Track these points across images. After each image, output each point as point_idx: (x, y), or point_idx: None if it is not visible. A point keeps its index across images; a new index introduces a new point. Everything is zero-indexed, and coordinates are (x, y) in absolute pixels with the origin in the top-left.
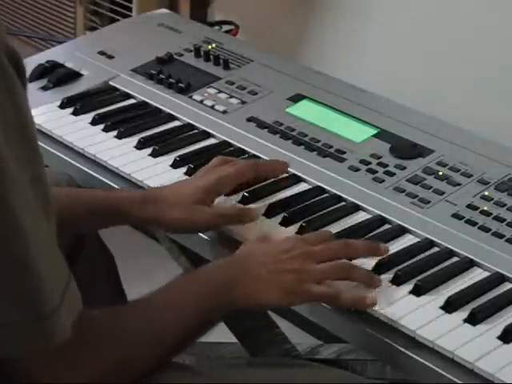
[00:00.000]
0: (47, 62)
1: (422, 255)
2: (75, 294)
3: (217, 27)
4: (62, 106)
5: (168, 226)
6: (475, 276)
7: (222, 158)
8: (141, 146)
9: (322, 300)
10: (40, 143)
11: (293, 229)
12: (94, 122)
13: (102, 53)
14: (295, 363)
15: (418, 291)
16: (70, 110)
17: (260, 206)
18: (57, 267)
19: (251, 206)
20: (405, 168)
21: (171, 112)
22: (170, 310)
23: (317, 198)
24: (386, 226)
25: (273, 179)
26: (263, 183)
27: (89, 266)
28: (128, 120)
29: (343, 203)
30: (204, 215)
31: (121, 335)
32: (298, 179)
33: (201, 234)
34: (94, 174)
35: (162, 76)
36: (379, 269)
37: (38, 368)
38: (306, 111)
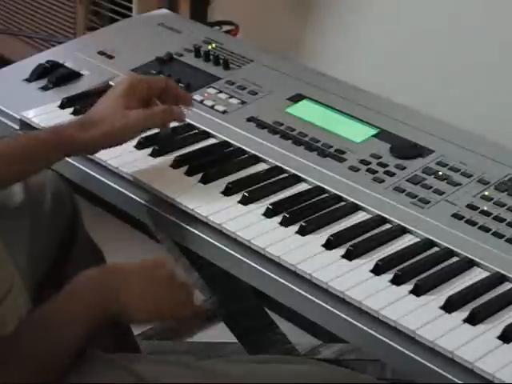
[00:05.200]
0: (47, 62)
1: (422, 255)
2: (18, 294)
3: (217, 27)
4: (62, 106)
5: (110, 138)
6: (475, 276)
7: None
8: (141, 146)
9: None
10: None
11: (293, 228)
12: None
13: (101, 53)
14: (307, 361)
15: (417, 291)
16: (70, 110)
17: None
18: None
19: (251, 205)
20: (405, 168)
21: None
22: (61, 327)
23: (317, 198)
24: (386, 226)
25: (273, 179)
26: (263, 183)
27: (79, 267)
28: None
29: (343, 203)
30: (137, 116)
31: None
32: (298, 179)
33: (201, 234)
34: (94, 174)
35: (161, 76)
36: (379, 269)
37: None
38: (306, 111)
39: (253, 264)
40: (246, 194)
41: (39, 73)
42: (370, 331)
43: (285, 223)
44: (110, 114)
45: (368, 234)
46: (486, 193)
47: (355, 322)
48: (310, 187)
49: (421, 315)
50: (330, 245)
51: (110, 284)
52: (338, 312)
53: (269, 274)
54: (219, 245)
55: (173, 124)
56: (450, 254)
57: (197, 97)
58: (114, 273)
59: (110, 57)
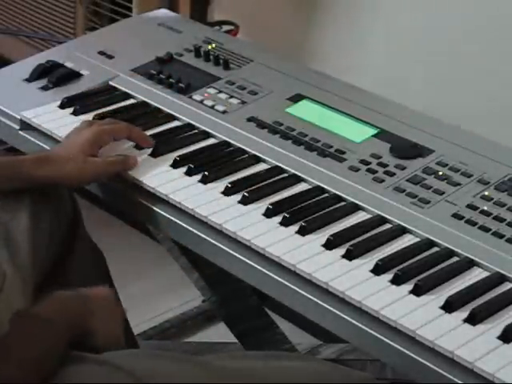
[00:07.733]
0: (47, 61)
1: (422, 255)
2: (12, 291)
3: (217, 27)
4: (62, 106)
5: (66, 180)
6: (475, 276)
7: (88, 120)
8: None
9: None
10: (40, 143)
11: (293, 228)
12: None
13: (101, 53)
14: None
15: (417, 291)
16: (70, 109)
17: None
18: None
19: (251, 205)
20: (405, 168)
21: (171, 112)
22: None
23: (317, 198)
24: (386, 226)
25: (273, 179)
26: (263, 183)
27: (80, 268)
28: (128, 120)
29: (343, 203)
30: (96, 164)
31: None
32: (298, 179)
33: (201, 234)
34: None
35: (162, 76)
36: (379, 269)
37: None
38: (306, 111)
39: (253, 264)
40: (245, 193)
41: (39, 73)
42: (370, 331)
43: (285, 223)
44: (70, 157)
45: (368, 234)
46: (486, 193)
47: (355, 322)
48: (309, 187)
49: (421, 315)
50: (330, 245)
51: None
52: (338, 312)
53: (269, 273)
54: (219, 245)
55: (173, 124)
56: (450, 254)
57: (197, 97)
58: None
59: (110, 57)
